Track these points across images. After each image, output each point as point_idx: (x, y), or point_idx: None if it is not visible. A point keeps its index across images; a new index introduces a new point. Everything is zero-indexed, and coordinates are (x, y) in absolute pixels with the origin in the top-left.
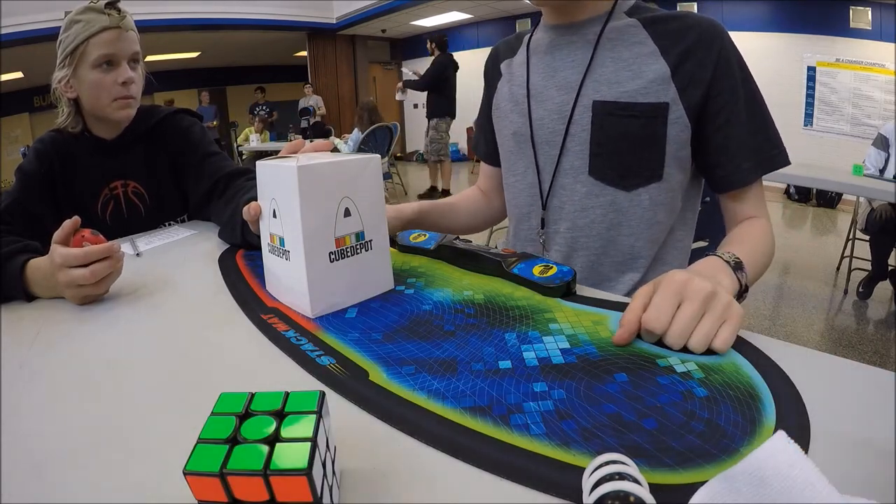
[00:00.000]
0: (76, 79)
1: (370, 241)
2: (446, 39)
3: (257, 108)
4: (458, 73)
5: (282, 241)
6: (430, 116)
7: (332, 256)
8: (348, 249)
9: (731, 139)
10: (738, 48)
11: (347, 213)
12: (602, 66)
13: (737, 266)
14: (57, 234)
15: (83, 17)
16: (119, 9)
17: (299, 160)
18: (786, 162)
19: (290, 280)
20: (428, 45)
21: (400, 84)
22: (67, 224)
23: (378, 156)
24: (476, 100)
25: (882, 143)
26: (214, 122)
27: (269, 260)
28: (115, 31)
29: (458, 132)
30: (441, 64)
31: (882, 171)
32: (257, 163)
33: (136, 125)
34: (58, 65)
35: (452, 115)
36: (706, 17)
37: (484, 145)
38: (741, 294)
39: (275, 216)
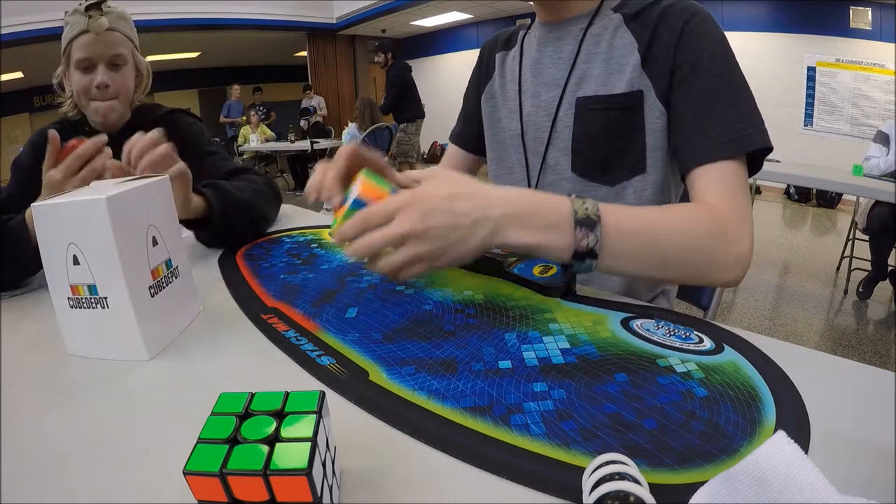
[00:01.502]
0: (69, 76)
1: (177, 266)
2: (396, 45)
3: (254, 109)
4: (459, 75)
5: (92, 288)
6: (398, 121)
7: (152, 290)
8: (163, 280)
9: (686, 115)
10: (737, 47)
11: (155, 241)
12: (586, 62)
13: (585, 222)
14: (46, 162)
15: (70, 18)
16: (102, 9)
17: (94, 192)
18: (762, 142)
19: (110, 330)
20: (381, 58)
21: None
22: (51, 144)
23: (167, 176)
24: None
25: (882, 139)
26: (243, 118)
27: (73, 318)
28: (90, 34)
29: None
30: (398, 75)
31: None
32: (33, 206)
33: (135, 121)
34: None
35: (421, 116)
36: (685, 1)
37: (467, 129)
38: (582, 255)
39: (76, 263)
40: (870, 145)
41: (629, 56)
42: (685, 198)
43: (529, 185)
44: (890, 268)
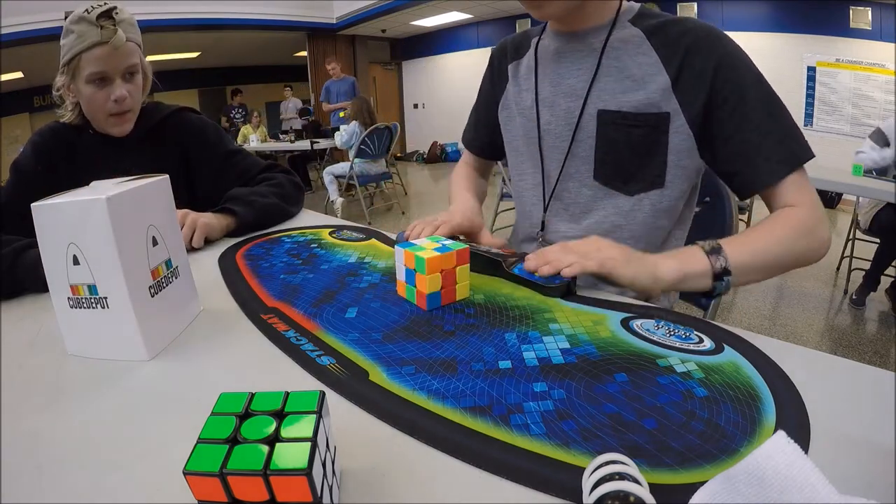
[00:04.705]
0: (75, 87)
1: (177, 266)
2: None
3: (232, 111)
4: (458, 75)
5: (92, 288)
6: None
7: (152, 290)
8: (163, 280)
9: (746, 144)
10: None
11: (154, 241)
12: (607, 75)
13: (713, 250)
14: None
15: (76, 27)
16: (114, 18)
17: (94, 192)
18: (809, 155)
19: (110, 330)
20: None
21: None
22: None
23: (167, 176)
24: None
25: (880, 138)
26: (349, 103)
27: (73, 318)
28: (107, 46)
29: (457, 133)
30: None
31: (880, 171)
32: (33, 206)
33: (141, 122)
34: (59, 69)
35: None
36: (704, 24)
37: (479, 138)
38: (719, 276)
39: (76, 263)
40: (864, 140)
41: (655, 75)
42: (691, 197)
43: (545, 191)
44: (891, 279)
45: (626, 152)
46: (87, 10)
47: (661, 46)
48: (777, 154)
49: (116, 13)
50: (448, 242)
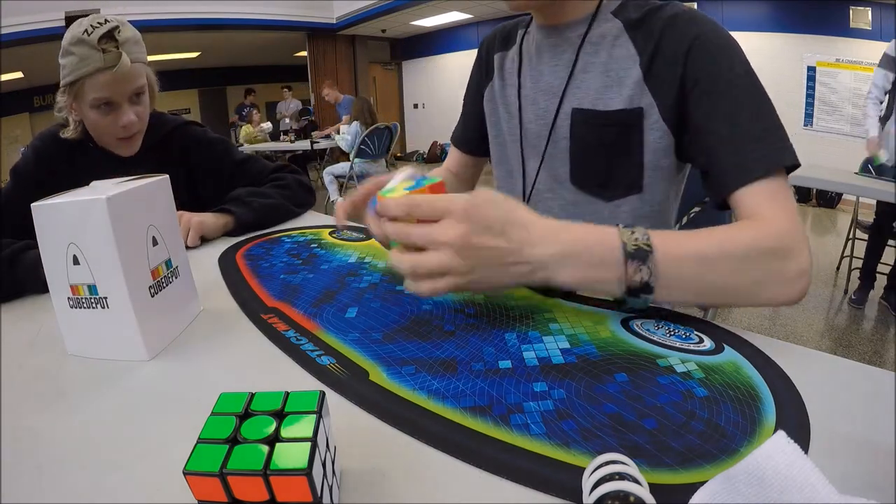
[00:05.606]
0: (79, 108)
1: (177, 266)
2: None
3: (244, 110)
4: (458, 75)
5: (92, 288)
6: None
7: (152, 290)
8: (163, 280)
9: (712, 136)
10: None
11: (154, 241)
12: (584, 72)
13: (636, 254)
14: None
15: (77, 50)
16: (117, 40)
17: (94, 192)
18: (793, 160)
19: (110, 330)
20: None
21: None
22: None
23: (167, 176)
24: None
25: (890, 63)
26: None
27: (73, 318)
28: (111, 72)
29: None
30: None
31: (889, 93)
32: (33, 206)
33: (145, 137)
34: (60, 88)
35: None
36: (688, 9)
37: (467, 133)
38: (636, 290)
39: (76, 263)
40: (875, 72)
41: (629, 69)
42: (674, 201)
43: (525, 191)
44: (885, 276)
45: (601, 154)
46: (86, 30)
47: (638, 37)
48: (752, 152)
49: (119, 33)
50: (422, 178)
